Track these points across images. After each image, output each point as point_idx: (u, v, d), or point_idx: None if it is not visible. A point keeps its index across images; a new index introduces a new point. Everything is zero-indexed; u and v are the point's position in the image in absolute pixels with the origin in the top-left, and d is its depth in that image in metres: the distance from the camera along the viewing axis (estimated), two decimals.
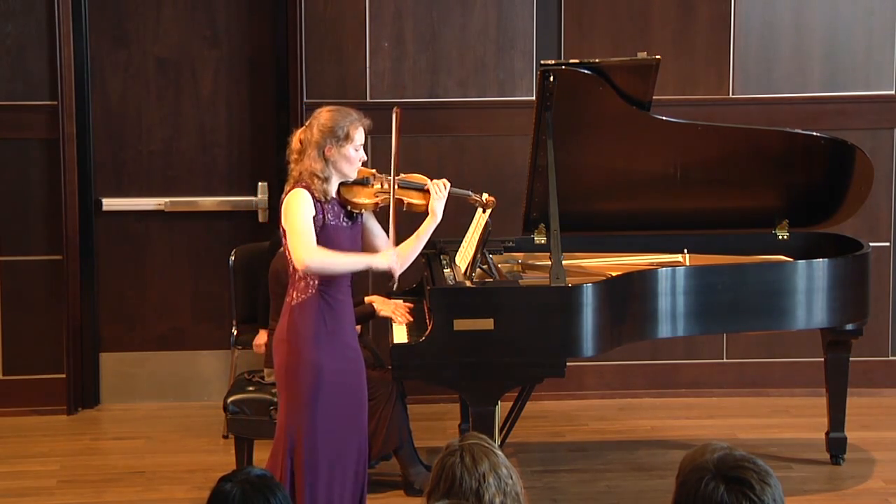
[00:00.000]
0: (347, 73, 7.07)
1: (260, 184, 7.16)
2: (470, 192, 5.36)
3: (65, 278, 7.04)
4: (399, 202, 5.02)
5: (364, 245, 5.05)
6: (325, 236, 4.87)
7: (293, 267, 4.91)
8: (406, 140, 7.04)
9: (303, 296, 4.90)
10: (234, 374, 6.56)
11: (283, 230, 4.91)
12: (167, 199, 7.19)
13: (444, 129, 7.16)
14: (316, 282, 4.88)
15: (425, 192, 5.09)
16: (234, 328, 6.62)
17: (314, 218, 4.86)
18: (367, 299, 5.86)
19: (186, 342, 7.30)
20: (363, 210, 5.01)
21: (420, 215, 5.09)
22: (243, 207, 7.20)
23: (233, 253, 6.63)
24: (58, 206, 7.02)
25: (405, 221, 5.16)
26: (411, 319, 5.67)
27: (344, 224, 4.95)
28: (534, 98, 5.91)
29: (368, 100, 7.06)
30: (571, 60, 5.82)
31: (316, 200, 4.88)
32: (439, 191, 5.07)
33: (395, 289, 5.05)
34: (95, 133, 7.13)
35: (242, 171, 7.21)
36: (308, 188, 4.88)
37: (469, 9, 7.09)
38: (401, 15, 7.07)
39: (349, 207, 4.98)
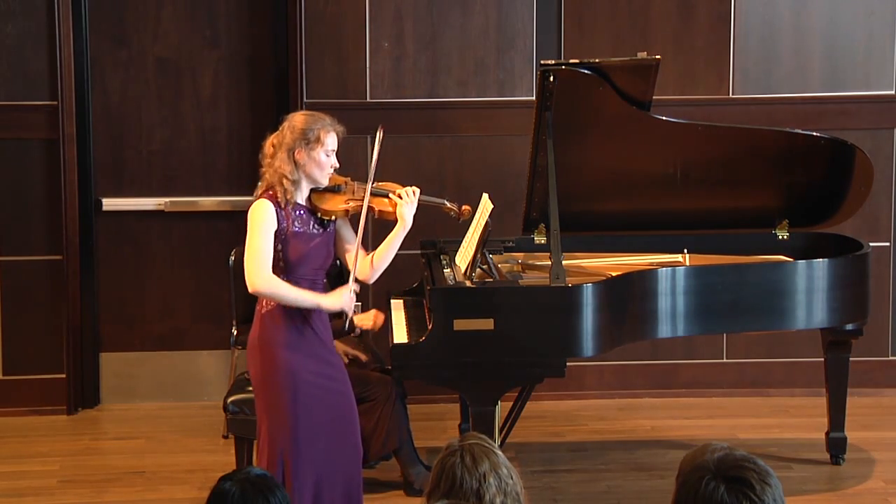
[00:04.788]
0: (347, 73, 7.07)
1: (260, 184, 7.15)
2: (445, 201, 5.33)
3: (65, 278, 7.04)
4: (370, 210, 5.02)
5: (338, 255, 5.06)
6: (292, 244, 4.87)
7: None
8: (406, 140, 7.08)
9: (273, 302, 4.91)
10: (234, 374, 6.56)
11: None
12: (167, 199, 7.19)
13: (444, 129, 7.16)
14: None
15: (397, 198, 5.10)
16: (234, 328, 6.61)
17: (278, 229, 4.86)
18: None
19: (186, 342, 7.30)
20: (333, 217, 5.00)
21: (392, 223, 5.09)
22: (243, 207, 7.13)
23: (233, 253, 6.62)
24: (58, 206, 7.02)
25: (379, 230, 5.16)
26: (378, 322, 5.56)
27: (314, 231, 4.94)
28: (534, 98, 5.90)
29: (368, 100, 7.06)
30: (571, 60, 5.82)
31: (279, 208, 4.87)
32: (407, 196, 5.06)
33: (347, 329, 5.02)
34: (95, 133, 7.13)
35: (242, 171, 7.21)
36: (273, 196, 4.89)
37: (469, 9, 7.09)
38: (401, 15, 7.07)
39: (319, 214, 4.97)
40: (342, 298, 4.92)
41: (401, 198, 5.05)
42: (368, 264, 5.03)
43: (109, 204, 7.18)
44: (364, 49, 7.08)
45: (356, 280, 4.98)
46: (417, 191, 5.12)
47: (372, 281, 5.11)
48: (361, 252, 5.03)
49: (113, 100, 7.16)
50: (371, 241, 6.15)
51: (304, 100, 7.00)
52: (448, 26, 7.10)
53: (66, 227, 7.03)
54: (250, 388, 5.94)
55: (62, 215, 7.02)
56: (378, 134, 5.12)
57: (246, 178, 7.20)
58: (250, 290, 4.88)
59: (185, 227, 7.24)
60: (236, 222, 7.20)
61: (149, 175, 7.21)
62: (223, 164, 7.23)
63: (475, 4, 7.10)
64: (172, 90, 7.16)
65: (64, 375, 7.10)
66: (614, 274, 5.65)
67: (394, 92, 7.08)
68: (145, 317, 7.27)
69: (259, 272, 4.82)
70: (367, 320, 5.45)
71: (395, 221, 5.07)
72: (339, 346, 5.98)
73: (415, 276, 6.13)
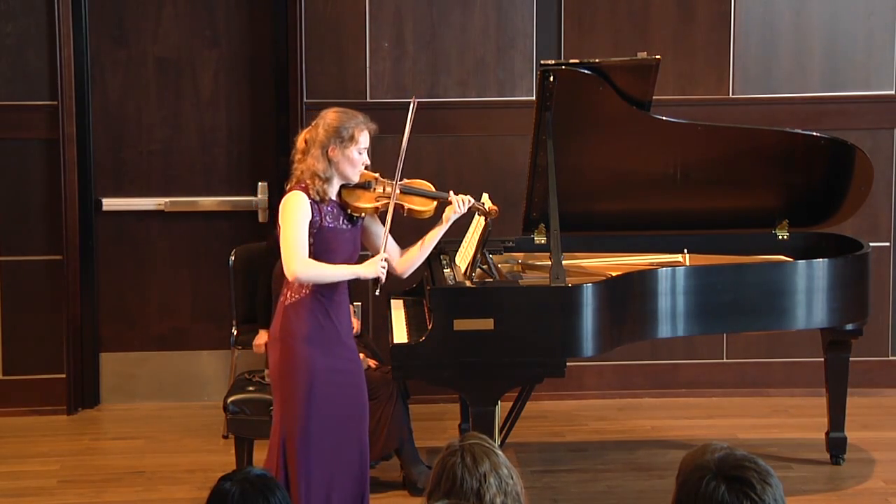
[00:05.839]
0: (347, 73, 7.07)
1: (260, 184, 7.16)
2: (473, 201, 5.34)
3: (65, 278, 7.04)
4: (399, 207, 5.04)
5: (367, 247, 5.09)
6: (323, 238, 4.89)
7: None
8: None
9: (297, 296, 4.91)
10: (234, 374, 6.56)
11: (279, 229, 4.94)
12: (167, 199, 7.19)
13: (444, 129, 7.16)
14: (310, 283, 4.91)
15: (427, 198, 5.12)
16: (234, 328, 6.62)
17: (311, 221, 4.88)
18: None
19: (186, 342, 7.30)
20: (363, 214, 5.03)
21: (419, 221, 5.12)
22: (243, 207, 7.20)
23: (233, 253, 6.63)
24: (58, 206, 7.02)
25: (407, 227, 5.18)
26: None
27: (343, 226, 4.97)
28: (534, 98, 5.91)
29: (368, 100, 7.06)
30: (571, 60, 5.82)
31: (313, 202, 4.89)
32: (461, 205, 5.15)
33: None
34: (95, 133, 7.13)
35: (242, 171, 7.21)
36: (306, 189, 4.89)
37: (469, 9, 7.09)
38: (401, 15, 7.07)
39: (349, 210, 4.99)
40: (376, 266, 4.96)
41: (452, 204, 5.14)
42: (403, 261, 5.10)
43: (109, 204, 7.18)
44: (364, 49, 7.08)
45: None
46: (471, 201, 5.19)
47: (406, 276, 5.15)
48: (397, 248, 5.06)
49: (113, 100, 7.15)
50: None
51: (305, 100, 7.00)
52: (448, 26, 7.10)
53: (66, 227, 7.03)
54: (251, 388, 5.96)
55: (62, 215, 7.02)
56: (412, 104, 5.14)
57: (246, 178, 7.21)
58: (290, 277, 4.84)
59: (185, 227, 7.24)
60: (236, 222, 7.21)
61: (149, 175, 7.21)
62: (223, 164, 7.23)
63: (475, 4, 7.10)
64: (172, 90, 7.16)
65: (64, 375, 7.10)
66: (614, 274, 5.65)
67: (394, 92, 7.08)
68: (145, 317, 7.27)
69: (297, 259, 4.83)
70: None
71: (425, 220, 5.13)
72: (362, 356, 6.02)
73: (415, 276, 6.12)
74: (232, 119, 7.20)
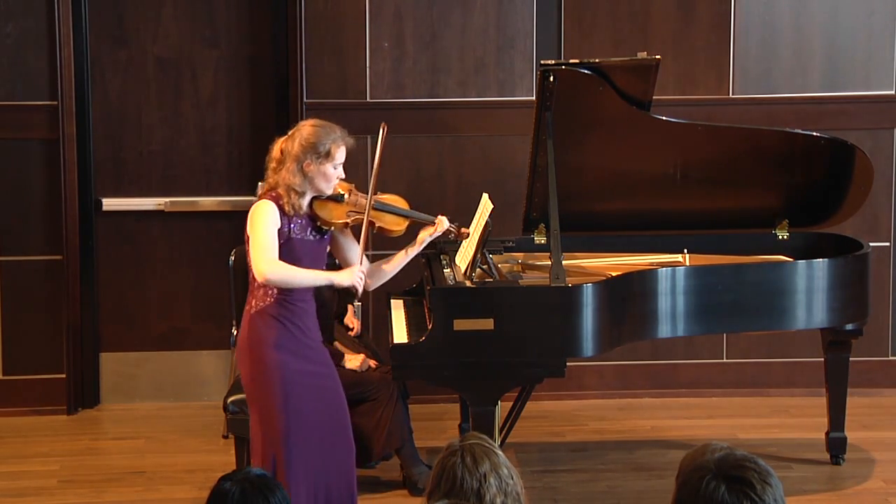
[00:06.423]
0: (347, 73, 7.07)
1: (260, 184, 7.10)
2: (449, 226, 5.33)
3: (65, 278, 7.04)
4: (370, 223, 5.03)
5: (336, 258, 5.08)
6: (289, 249, 4.88)
7: (252, 275, 4.92)
8: (406, 140, 7.07)
9: (262, 303, 4.91)
10: (234, 374, 6.55)
11: (247, 237, 4.93)
12: (167, 199, 7.19)
13: (444, 129, 7.15)
14: (275, 290, 4.88)
15: (400, 217, 5.13)
16: (234, 328, 6.61)
17: (279, 231, 4.87)
18: None
19: (186, 342, 7.30)
20: (333, 227, 5.01)
21: (388, 238, 5.14)
22: (243, 207, 7.15)
23: (233, 253, 6.62)
24: (58, 206, 7.02)
25: (375, 241, 5.19)
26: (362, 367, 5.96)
27: (311, 238, 4.95)
28: (534, 98, 5.91)
29: (368, 100, 7.06)
30: (571, 60, 5.82)
31: (284, 214, 4.88)
32: (436, 227, 5.17)
33: (357, 304, 5.08)
34: (95, 133, 7.13)
35: (242, 171, 7.21)
36: (277, 199, 4.89)
37: (469, 9, 7.09)
38: (401, 15, 7.07)
39: (319, 223, 4.97)
40: (353, 275, 4.95)
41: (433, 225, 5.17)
42: (369, 275, 5.06)
43: (109, 204, 7.18)
44: (364, 49, 7.08)
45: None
46: (446, 224, 5.19)
47: (371, 289, 5.13)
48: (367, 263, 5.05)
49: (113, 100, 7.15)
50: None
51: (305, 100, 7.00)
52: (448, 26, 7.10)
53: (66, 227, 7.03)
54: None
55: (62, 215, 7.02)
56: (381, 132, 5.12)
57: (246, 178, 7.21)
58: (260, 279, 4.84)
59: (185, 227, 7.24)
60: (236, 222, 7.20)
61: (149, 175, 7.21)
62: (223, 164, 7.23)
63: (475, 4, 7.10)
64: (172, 90, 7.16)
65: (64, 375, 7.10)
66: (614, 274, 5.65)
67: (394, 92, 7.08)
68: (145, 317, 7.27)
69: (266, 259, 4.82)
70: (356, 361, 5.92)
71: (394, 237, 5.15)
72: (359, 358, 6.00)
73: (415, 276, 6.12)
74: (232, 119, 7.20)
